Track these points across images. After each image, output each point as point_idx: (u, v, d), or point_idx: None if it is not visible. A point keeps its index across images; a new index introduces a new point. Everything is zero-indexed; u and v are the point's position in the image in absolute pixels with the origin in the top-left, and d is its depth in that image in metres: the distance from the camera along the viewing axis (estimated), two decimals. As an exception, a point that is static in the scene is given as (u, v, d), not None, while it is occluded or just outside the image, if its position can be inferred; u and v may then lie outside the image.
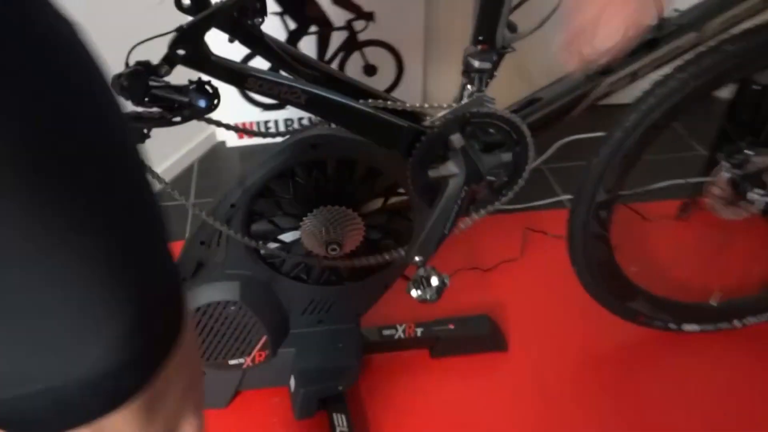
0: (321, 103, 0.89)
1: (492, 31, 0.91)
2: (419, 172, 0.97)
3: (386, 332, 1.30)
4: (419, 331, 1.30)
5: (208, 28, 0.79)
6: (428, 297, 1.00)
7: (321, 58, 1.87)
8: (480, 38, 0.92)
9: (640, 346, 1.34)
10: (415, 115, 0.96)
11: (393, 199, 1.10)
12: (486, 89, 0.96)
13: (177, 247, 1.22)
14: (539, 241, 1.58)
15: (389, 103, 0.94)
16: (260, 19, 0.91)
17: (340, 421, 1.15)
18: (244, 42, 0.90)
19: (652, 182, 1.28)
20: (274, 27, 1.78)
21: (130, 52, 0.79)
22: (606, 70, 0.96)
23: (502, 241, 1.58)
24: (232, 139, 2.01)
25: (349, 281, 1.18)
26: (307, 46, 1.84)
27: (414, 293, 1.00)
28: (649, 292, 1.27)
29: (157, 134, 0.85)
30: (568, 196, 1.73)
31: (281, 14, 1.77)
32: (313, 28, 1.81)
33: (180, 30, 0.78)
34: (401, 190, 1.09)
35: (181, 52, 0.78)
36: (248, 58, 1.63)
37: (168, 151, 1.86)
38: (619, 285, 1.23)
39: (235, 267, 1.11)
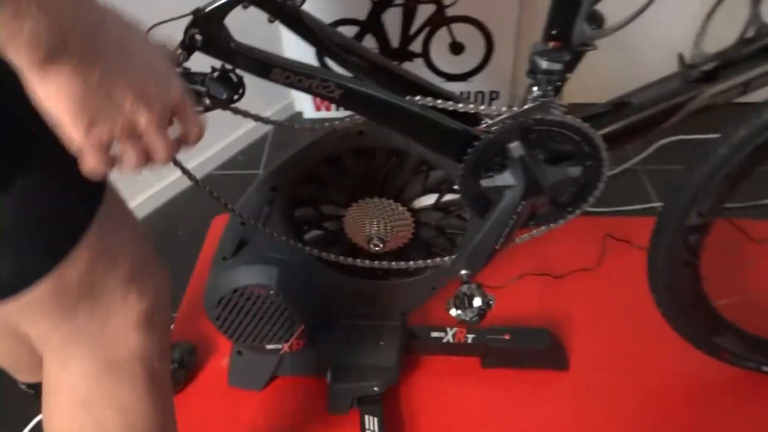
0: (358, 99, 0.80)
1: (568, 25, 0.77)
2: (471, 180, 0.86)
3: (435, 333, 1.21)
4: (470, 337, 1.20)
5: (227, 11, 0.71)
6: (467, 318, 0.89)
7: (405, 32, 1.76)
8: (553, 33, 0.79)
9: (722, 384, 1.17)
10: (471, 117, 0.84)
11: (447, 197, 1.00)
12: (555, 93, 0.83)
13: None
14: (621, 250, 1.43)
15: (439, 102, 0.82)
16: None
17: (371, 423, 1.08)
18: (284, 22, 0.81)
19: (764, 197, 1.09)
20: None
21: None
22: (709, 77, 0.80)
23: (579, 246, 1.44)
24: (309, 111, 1.97)
25: (395, 277, 1.10)
26: (392, 18, 1.74)
27: (453, 312, 0.89)
28: (742, 330, 1.10)
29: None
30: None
31: (367, -17, 1.68)
32: (398, 0, 1.71)
33: (196, 12, 0.70)
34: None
35: (198, 37, 0.70)
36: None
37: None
38: (705, 317, 1.07)
39: (275, 251, 1.05)
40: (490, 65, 1.82)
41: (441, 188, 0.99)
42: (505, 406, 1.16)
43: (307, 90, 0.77)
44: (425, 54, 1.81)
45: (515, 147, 0.82)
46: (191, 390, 1.21)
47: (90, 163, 0.50)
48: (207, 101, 0.71)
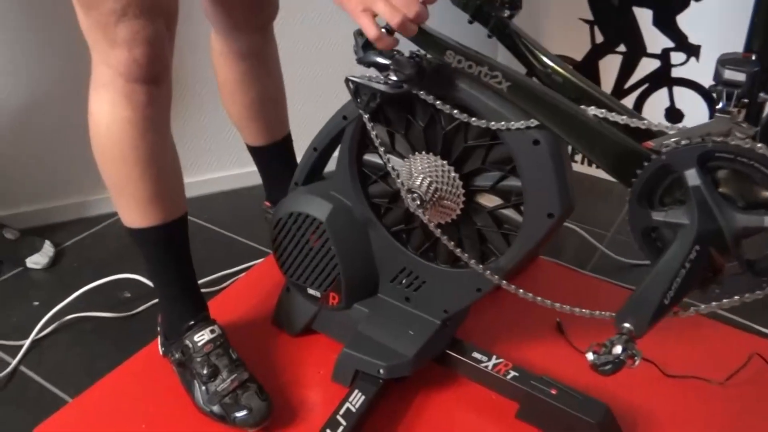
0: (525, 94, 0.80)
1: (763, 41, 0.73)
2: (638, 209, 0.76)
3: (476, 354, 1.07)
4: (512, 374, 1.03)
5: None
6: (599, 362, 0.74)
7: (620, 84, 1.63)
8: (750, 46, 0.75)
9: None
10: (650, 136, 0.75)
11: (507, 181, 0.89)
12: (745, 115, 0.70)
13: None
14: (764, 376, 1.10)
15: (613, 114, 0.76)
16: (508, 12, 0.88)
17: (355, 399, 0.99)
18: (499, 38, 0.89)
19: None
20: (582, 39, 1.62)
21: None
22: None
23: (712, 351, 1.15)
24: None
25: (443, 264, 1.01)
26: (610, 65, 1.62)
27: (590, 355, 0.76)
28: None
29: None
30: None
31: (591, 23, 1.60)
32: (621, 47, 1.59)
33: None
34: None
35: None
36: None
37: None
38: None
39: (339, 190, 1.05)
40: (708, 145, 1.57)
41: (503, 167, 0.88)
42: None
43: (477, 79, 0.81)
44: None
45: (690, 175, 0.70)
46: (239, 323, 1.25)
47: (366, 28, 0.75)
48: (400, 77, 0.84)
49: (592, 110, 0.78)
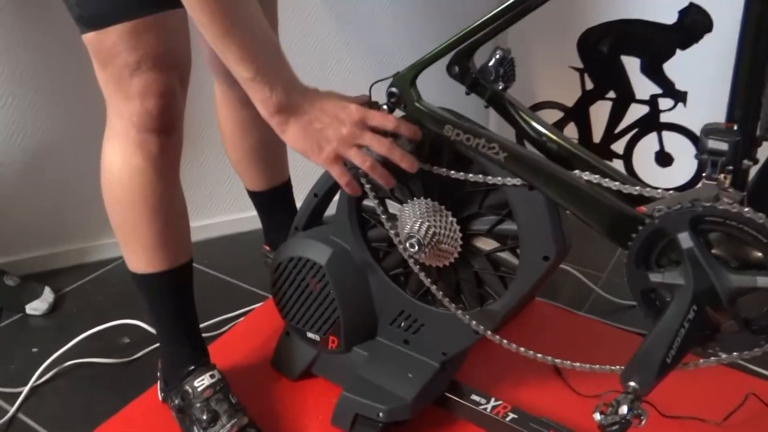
0: (521, 163, 0.83)
1: (744, 108, 0.72)
2: (635, 272, 0.79)
3: (475, 397, 1.07)
4: (511, 416, 1.03)
5: (417, 74, 0.88)
6: (605, 423, 0.76)
7: (610, 129, 1.67)
8: (732, 115, 0.73)
9: None
10: (642, 200, 0.79)
11: (503, 225, 0.91)
12: (732, 181, 0.73)
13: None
14: (761, 416, 1.10)
15: (606, 180, 0.80)
16: (502, 84, 0.93)
17: (355, 443, 0.99)
18: (494, 106, 0.95)
19: None
20: (572, 86, 1.68)
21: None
22: None
23: (709, 392, 1.15)
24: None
25: (442, 307, 1.02)
26: (599, 111, 1.67)
27: (597, 416, 0.77)
28: None
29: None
30: None
31: (581, 71, 1.65)
32: (611, 94, 1.64)
33: (394, 76, 0.89)
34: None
35: (393, 90, 0.89)
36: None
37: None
38: None
39: (338, 235, 1.07)
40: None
41: (499, 212, 0.91)
42: None
43: (474, 150, 0.85)
44: (627, 157, 1.68)
45: (683, 238, 0.74)
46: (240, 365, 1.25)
47: (338, 177, 0.87)
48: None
49: (586, 176, 0.82)
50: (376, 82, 0.90)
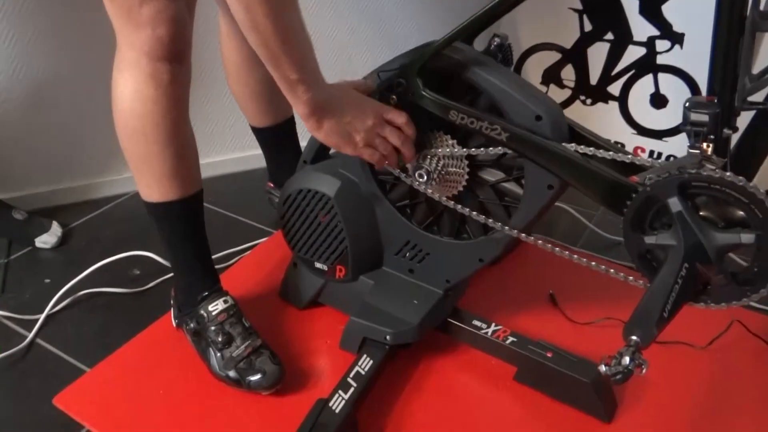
0: (522, 143, 0.89)
1: (722, 85, 0.77)
2: (632, 235, 0.86)
3: (476, 322, 1.13)
4: (510, 339, 1.10)
5: (420, 67, 0.93)
6: (610, 372, 0.82)
7: (607, 71, 1.70)
8: (713, 87, 0.78)
9: None
10: (635, 169, 0.85)
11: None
12: (713, 149, 0.78)
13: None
14: (745, 345, 1.17)
15: (600, 151, 0.86)
16: None
17: (364, 363, 1.05)
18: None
19: None
20: (571, 27, 1.69)
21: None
22: None
23: (695, 321, 1.21)
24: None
25: (447, 236, 1.07)
26: (597, 53, 1.69)
27: (602, 367, 0.83)
28: None
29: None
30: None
31: (580, 12, 1.67)
32: (608, 36, 1.66)
33: (401, 67, 0.94)
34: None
35: (401, 80, 0.94)
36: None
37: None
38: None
39: (347, 168, 1.10)
40: (691, 129, 1.65)
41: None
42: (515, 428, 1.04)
43: (478, 131, 0.91)
44: (622, 99, 1.71)
45: (673, 202, 0.80)
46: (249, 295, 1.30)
47: (370, 158, 0.95)
48: None
49: (582, 149, 0.87)
50: (381, 72, 0.96)
